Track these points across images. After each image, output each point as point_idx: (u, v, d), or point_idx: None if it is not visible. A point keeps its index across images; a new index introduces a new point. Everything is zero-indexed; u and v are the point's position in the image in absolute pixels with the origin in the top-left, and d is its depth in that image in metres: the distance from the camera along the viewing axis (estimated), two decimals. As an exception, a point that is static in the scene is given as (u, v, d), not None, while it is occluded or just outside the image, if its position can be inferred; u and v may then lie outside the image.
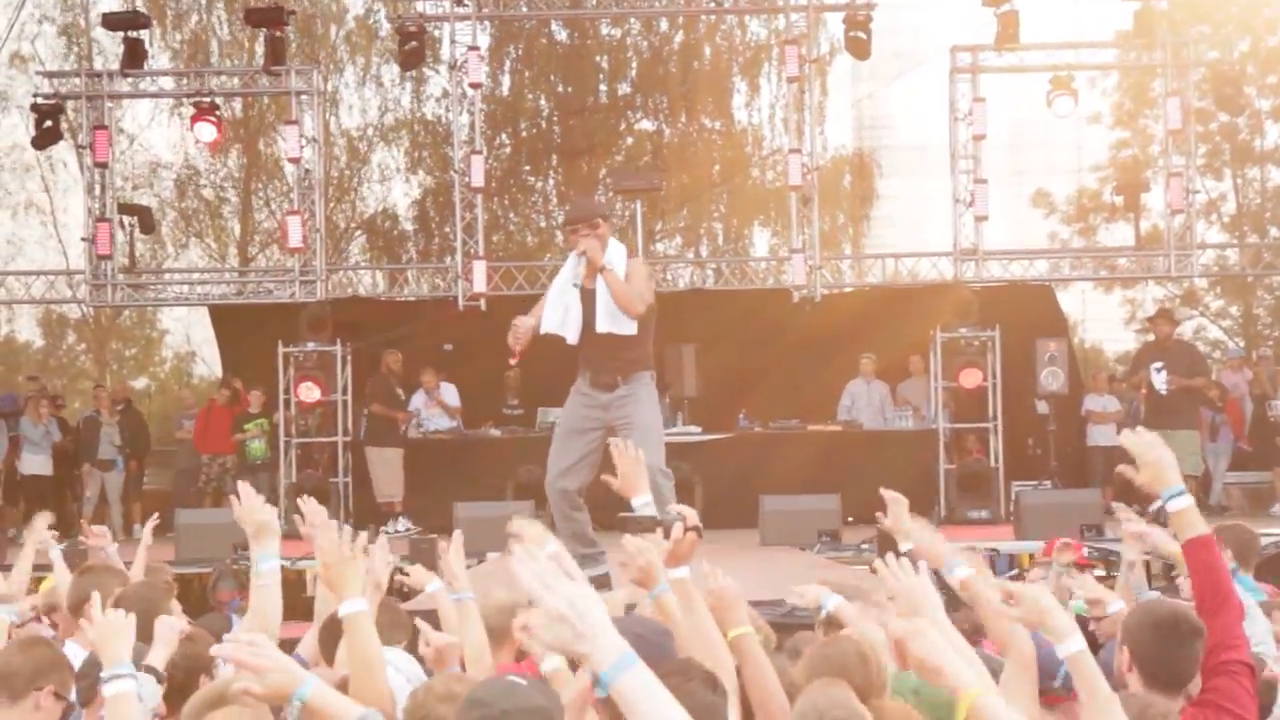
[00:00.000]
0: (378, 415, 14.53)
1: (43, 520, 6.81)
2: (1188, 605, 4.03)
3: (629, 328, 7.51)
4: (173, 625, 4.35)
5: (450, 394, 15.00)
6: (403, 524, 13.98)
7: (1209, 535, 4.03)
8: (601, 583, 6.04)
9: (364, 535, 4.01)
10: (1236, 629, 3.95)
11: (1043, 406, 15.03)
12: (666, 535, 3.45)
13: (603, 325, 7.49)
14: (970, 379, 14.67)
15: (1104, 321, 25.62)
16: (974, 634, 4.14)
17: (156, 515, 7.52)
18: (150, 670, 4.14)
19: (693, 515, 3.49)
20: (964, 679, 2.65)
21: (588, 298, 7.53)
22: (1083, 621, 4.24)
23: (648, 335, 7.67)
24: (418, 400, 14.93)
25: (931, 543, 4.36)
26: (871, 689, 3.46)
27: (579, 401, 7.75)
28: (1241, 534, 6.15)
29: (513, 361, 7.69)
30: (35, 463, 15.03)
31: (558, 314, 7.62)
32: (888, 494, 4.74)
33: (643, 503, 4.17)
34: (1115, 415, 15.30)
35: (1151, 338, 14.58)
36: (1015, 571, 10.10)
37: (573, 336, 7.59)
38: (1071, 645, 3.28)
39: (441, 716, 3.18)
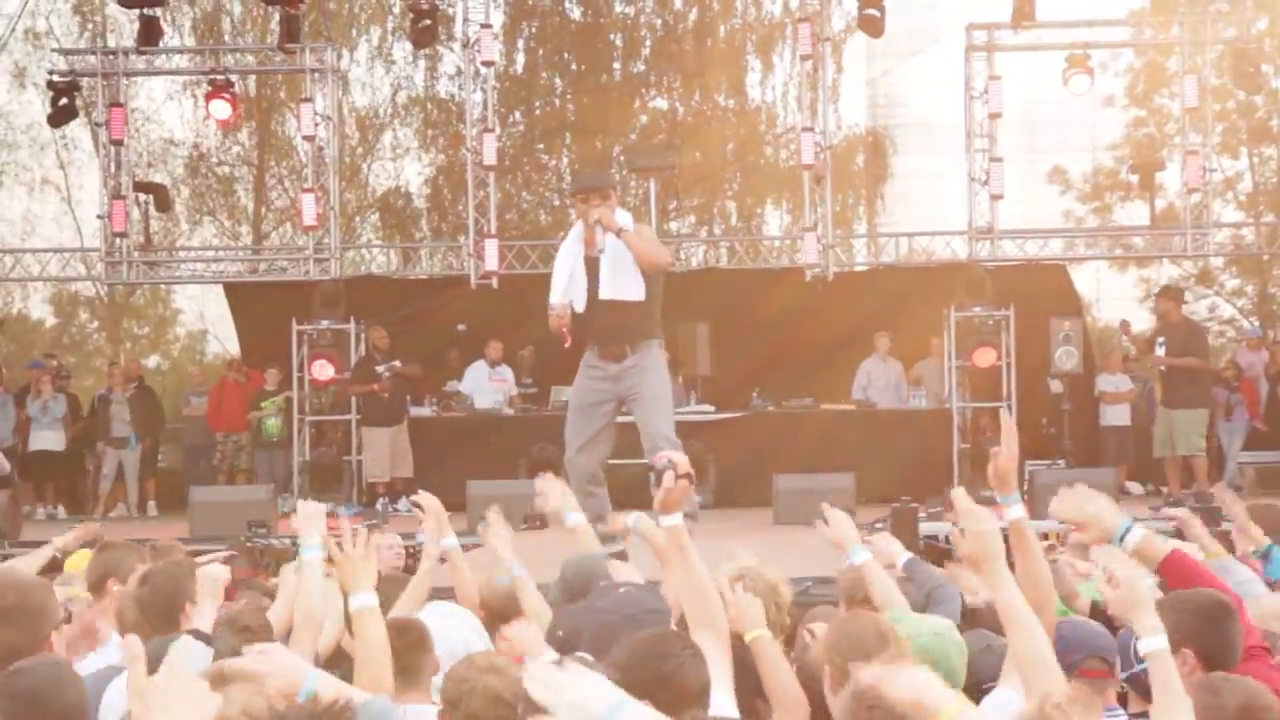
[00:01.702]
0: (361, 395, 14.57)
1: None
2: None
3: (635, 293, 7.48)
4: (216, 577, 4.20)
5: (508, 374, 15.03)
6: (403, 503, 14.00)
7: (1175, 552, 4.05)
8: (615, 555, 6.08)
9: (364, 531, 4.02)
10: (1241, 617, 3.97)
11: (1057, 386, 15.00)
12: (658, 483, 3.49)
13: (606, 292, 7.47)
14: (984, 358, 14.63)
15: (1119, 301, 25.48)
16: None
17: (232, 550, 7.36)
18: (199, 635, 4.00)
19: (684, 462, 3.51)
20: (939, 699, 2.69)
21: (591, 266, 7.51)
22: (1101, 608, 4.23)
23: (655, 302, 7.62)
24: (479, 373, 14.92)
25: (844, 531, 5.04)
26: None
27: (589, 375, 7.74)
28: (1275, 514, 6.13)
29: (566, 345, 7.70)
30: (42, 438, 15.10)
31: (562, 280, 7.62)
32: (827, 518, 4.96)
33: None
34: (1128, 395, 15.29)
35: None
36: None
37: (579, 304, 7.58)
38: (1154, 642, 3.30)
39: (489, 686, 3.24)
